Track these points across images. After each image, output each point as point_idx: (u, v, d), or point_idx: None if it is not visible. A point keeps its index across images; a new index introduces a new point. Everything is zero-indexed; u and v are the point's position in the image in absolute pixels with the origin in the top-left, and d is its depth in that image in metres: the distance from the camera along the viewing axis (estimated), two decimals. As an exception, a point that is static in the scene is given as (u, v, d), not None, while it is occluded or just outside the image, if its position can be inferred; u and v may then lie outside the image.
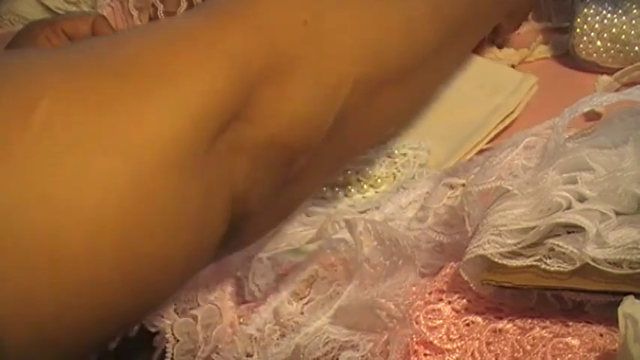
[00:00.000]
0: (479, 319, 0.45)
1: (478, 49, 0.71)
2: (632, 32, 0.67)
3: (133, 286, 0.33)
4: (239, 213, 0.38)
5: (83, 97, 0.32)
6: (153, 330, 0.46)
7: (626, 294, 0.39)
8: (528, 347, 0.42)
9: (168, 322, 0.46)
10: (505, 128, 0.64)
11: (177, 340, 0.45)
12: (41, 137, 0.31)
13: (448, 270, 0.47)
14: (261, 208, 0.40)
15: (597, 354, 0.41)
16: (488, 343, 0.43)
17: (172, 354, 0.45)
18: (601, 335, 0.42)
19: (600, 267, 0.42)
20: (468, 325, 0.45)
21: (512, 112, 0.64)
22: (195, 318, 0.46)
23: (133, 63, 0.34)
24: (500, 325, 0.44)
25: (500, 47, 0.72)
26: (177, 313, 0.46)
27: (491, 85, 0.66)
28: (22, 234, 0.30)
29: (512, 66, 0.71)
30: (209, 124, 0.34)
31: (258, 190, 0.38)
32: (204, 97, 0.34)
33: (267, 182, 0.39)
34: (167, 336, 0.45)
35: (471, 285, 0.45)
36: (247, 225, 0.40)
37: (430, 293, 0.46)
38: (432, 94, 0.49)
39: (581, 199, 0.44)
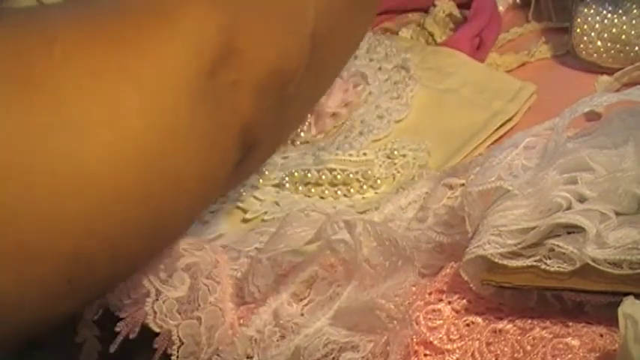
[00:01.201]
0: (479, 319, 0.45)
1: (479, 55, 0.71)
2: (632, 32, 0.67)
3: (154, 203, 0.36)
4: (249, 141, 0.42)
5: (93, 34, 0.36)
6: (158, 330, 0.46)
7: (626, 294, 0.39)
8: (528, 347, 0.42)
9: (172, 322, 0.45)
10: (504, 134, 0.64)
11: (182, 343, 0.45)
12: (62, 65, 0.34)
13: (448, 270, 0.47)
14: (267, 136, 0.44)
15: (597, 354, 0.41)
16: (488, 344, 0.43)
17: (177, 356, 0.45)
18: (601, 335, 0.42)
19: (600, 267, 0.42)
20: (468, 325, 0.45)
21: (510, 119, 0.64)
22: (199, 319, 0.46)
23: (132, 5, 0.38)
24: (500, 325, 0.44)
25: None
26: (180, 314, 0.46)
27: (491, 91, 0.67)
28: (50, 157, 0.33)
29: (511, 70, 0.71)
30: (208, 51, 0.38)
31: (264, 118, 0.42)
32: (199, 26, 0.38)
33: (270, 110, 0.42)
34: (173, 338, 0.45)
35: (471, 285, 0.45)
36: (254, 152, 0.44)
37: (430, 293, 0.46)
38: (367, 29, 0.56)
39: (582, 199, 0.44)
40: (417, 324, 0.45)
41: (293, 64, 0.43)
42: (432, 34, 0.75)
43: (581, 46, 0.68)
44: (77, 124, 0.34)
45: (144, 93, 0.36)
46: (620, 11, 0.68)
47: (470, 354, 0.44)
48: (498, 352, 0.43)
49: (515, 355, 0.42)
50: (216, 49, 0.38)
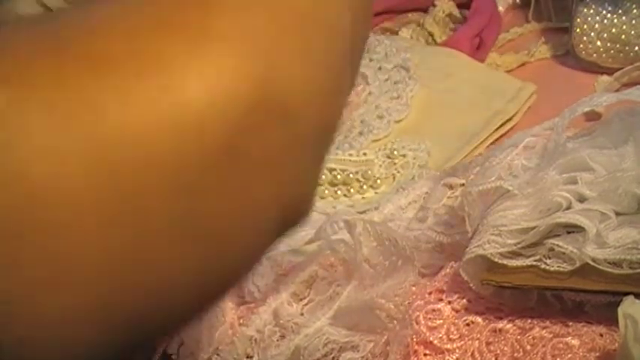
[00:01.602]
0: (479, 319, 0.45)
1: (479, 55, 0.71)
2: (632, 32, 0.67)
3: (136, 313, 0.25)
4: (293, 218, 0.31)
5: (59, 80, 0.23)
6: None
7: (626, 294, 0.39)
8: (528, 347, 0.42)
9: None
10: (504, 134, 0.64)
11: (182, 342, 0.46)
12: (5, 124, 0.22)
13: (448, 270, 0.47)
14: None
15: (597, 354, 0.41)
16: (488, 343, 0.43)
17: (177, 355, 0.45)
18: (601, 335, 0.42)
19: (600, 267, 0.42)
20: (468, 325, 0.45)
21: (510, 119, 0.64)
22: (199, 319, 0.46)
23: (115, 50, 0.24)
24: (500, 325, 0.44)
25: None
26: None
27: (491, 91, 0.67)
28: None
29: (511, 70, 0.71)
30: (230, 120, 0.25)
31: (307, 186, 0.31)
32: (216, 82, 0.24)
33: (313, 171, 0.31)
34: (174, 337, 0.45)
35: (471, 285, 0.45)
36: None
37: (430, 293, 0.46)
38: None
39: (581, 199, 0.44)
40: (417, 324, 0.45)
41: (340, 108, 0.31)
42: (432, 34, 0.75)
43: (581, 46, 0.68)
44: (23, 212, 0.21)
45: (109, 185, 0.23)
46: (620, 11, 0.68)
47: (470, 354, 0.44)
48: (498, 351, 0.43)
49: (515, 354, 0.42)
50: (241, 116, 0.25)
